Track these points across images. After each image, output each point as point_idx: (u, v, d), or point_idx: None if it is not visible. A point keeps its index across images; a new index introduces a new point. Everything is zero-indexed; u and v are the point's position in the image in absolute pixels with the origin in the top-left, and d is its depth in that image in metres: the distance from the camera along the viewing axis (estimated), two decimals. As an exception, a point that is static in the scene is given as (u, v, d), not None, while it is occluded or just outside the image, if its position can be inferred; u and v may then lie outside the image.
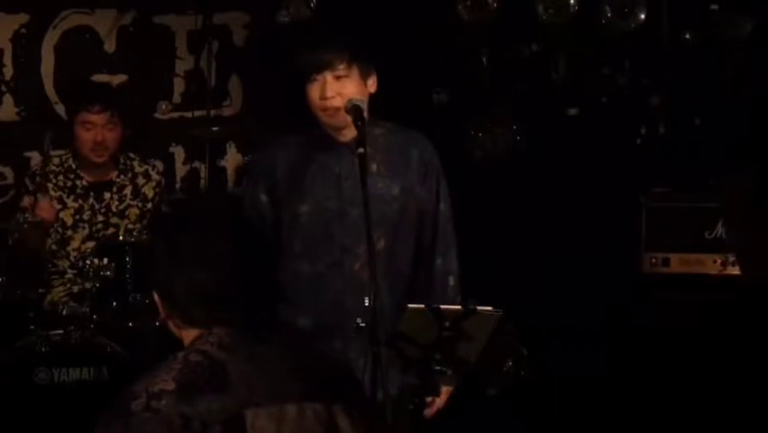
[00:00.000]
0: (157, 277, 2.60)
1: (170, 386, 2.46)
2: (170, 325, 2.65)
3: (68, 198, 5.25)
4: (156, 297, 2.63)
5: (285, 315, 3.84)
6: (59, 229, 5.24)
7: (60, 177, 5.27)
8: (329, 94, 3.69)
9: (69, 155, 5.30)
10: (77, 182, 5.27)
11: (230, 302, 2.56)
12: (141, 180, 5.35)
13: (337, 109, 3.69)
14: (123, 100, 5.48)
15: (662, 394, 4.69)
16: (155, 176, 5.39)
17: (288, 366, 2.56)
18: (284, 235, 3.82)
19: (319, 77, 3.69)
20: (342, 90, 3.70)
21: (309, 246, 3.79)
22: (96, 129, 5.16)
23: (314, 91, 3.71)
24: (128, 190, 5.32)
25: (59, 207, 5.24)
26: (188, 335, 2.61)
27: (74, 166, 5.28)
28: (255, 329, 2.57)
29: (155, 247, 2.62)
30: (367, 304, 3.60)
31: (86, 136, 5.17)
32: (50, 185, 5.25)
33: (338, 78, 3.71)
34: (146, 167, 5.38)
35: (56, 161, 5.31)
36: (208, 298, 2.55)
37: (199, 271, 2.54)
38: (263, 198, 3.85)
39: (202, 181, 5.93)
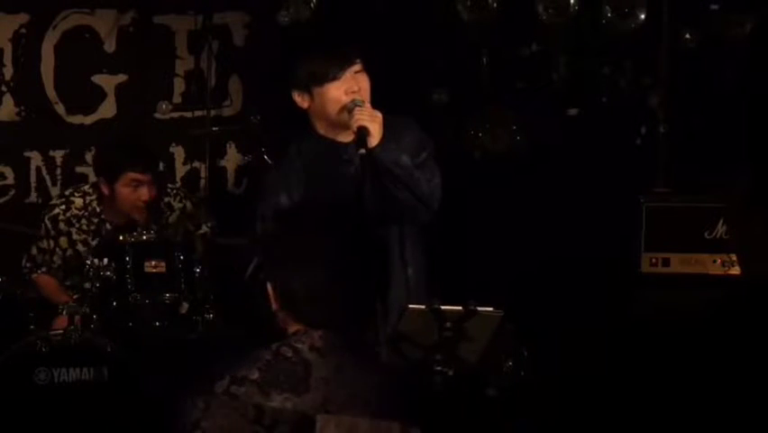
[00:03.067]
0: (274, 273, 2.63)
1: (254, 375, 2.49)
2: (279, 317, 2.67)
3: (93, 240, 5.20)
4: (270, 289, 2.66)
5: None
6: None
7: (84, 221, 5.21)
8: (355, 88, 3.73)
9: (95, 198, 5.22)
10: (101, 226, 5.20)
11: (337, 303, 2.59)
12: (165, 214, 5.29)
13: (363, 102, 3.73)
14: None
15: (663, 395, 4.69)
16: (177, 204, 5.32)
17: (373, 382, 2.56)
18: None
19: (340, 74, 3.72)
20: (361, 84, 3.74)
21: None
22: (144, 187, 5.07)
23: (335, 90, 3.73)
24: (151, 225, 5.23)
25: (84, 249, 5.19)
26: (292, 329, 2.64)
27: (98, 210, 5.22)
28: (353, 333, 2.60)
29: (272, 245, 2.67)
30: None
31: (133, 195, 5.08)
32: (72, 229, 5.20)
33: (356, 72, 3.74)
34: (168, 199, 5.31)
35: (78, 203, 5.21)
36: (320, 297, 2.57)
37: (315, 272, 2.57)
38: (284, 200, 3.84)
39: (202, 181, 5.93)
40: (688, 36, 5.61)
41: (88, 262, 4.88)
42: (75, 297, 5.00)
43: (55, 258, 5.21)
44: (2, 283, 5.06)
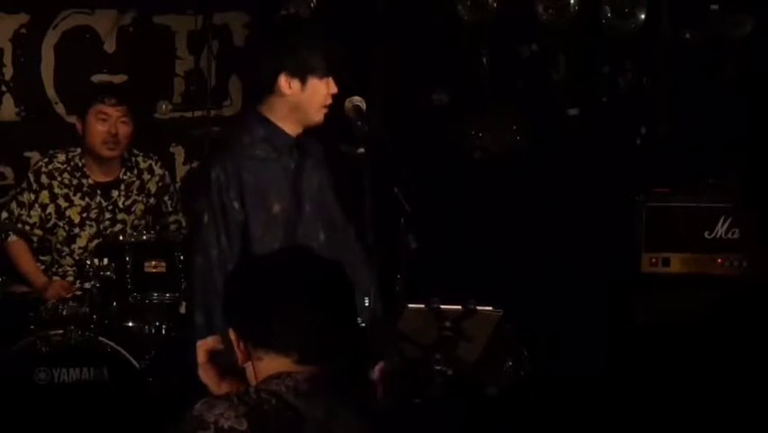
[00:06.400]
0: (245, 313, 2.45)
1: (242, 426, 2.31)
2: (247, 369, 2.50)
3: (74, 195, 5.25)
4: (233, 337, 2.47)
5: None
6: (66, 227, 5.24)
7: (66, 174, 5.26)
8: (334, 91, 3.79)
9: (77, 153, 5.28)
10: (83, 181, 5.26)
11: (320, 333, 2.42)
12: (146, 176, 5.36)
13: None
14: (133, 100, 5.50)
15: (663, 394, 4.69)
16: (158, 170, 5.40)
17: (369, 422, 2.41)
18: (256, 236, 3.79)
19: (326, 77, 3.78)
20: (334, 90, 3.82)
21: (283, 243, 3.77)
22: (111, 121, 5.17)
23: (322, 88, 3.77)
24: (135, 187, 5.33)
25: (66, 204, 5.24)
26: (265, 366, 2.44)
27: (80, 164, 5.27)
28: (339, 370, 2.43)
29: (255, 282, 2.46)
30: (366, 304, 3.61)
31: (100, 128, 5.17)
32: (54, 182, 5.25)
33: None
34: (150, 162, 5.40)
35: (61, 158, 5.28)
36: (300, 329, 2.41)
37: (294, 302, 2.42)
38: (236, 204, 3.80)
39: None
40: (688, 36, 5.61)
41: (88, 262, 4.89)
42: (42, 268, 5.18)
43: (33, 213, 5.23)
44: (2, 283, 5.06)
